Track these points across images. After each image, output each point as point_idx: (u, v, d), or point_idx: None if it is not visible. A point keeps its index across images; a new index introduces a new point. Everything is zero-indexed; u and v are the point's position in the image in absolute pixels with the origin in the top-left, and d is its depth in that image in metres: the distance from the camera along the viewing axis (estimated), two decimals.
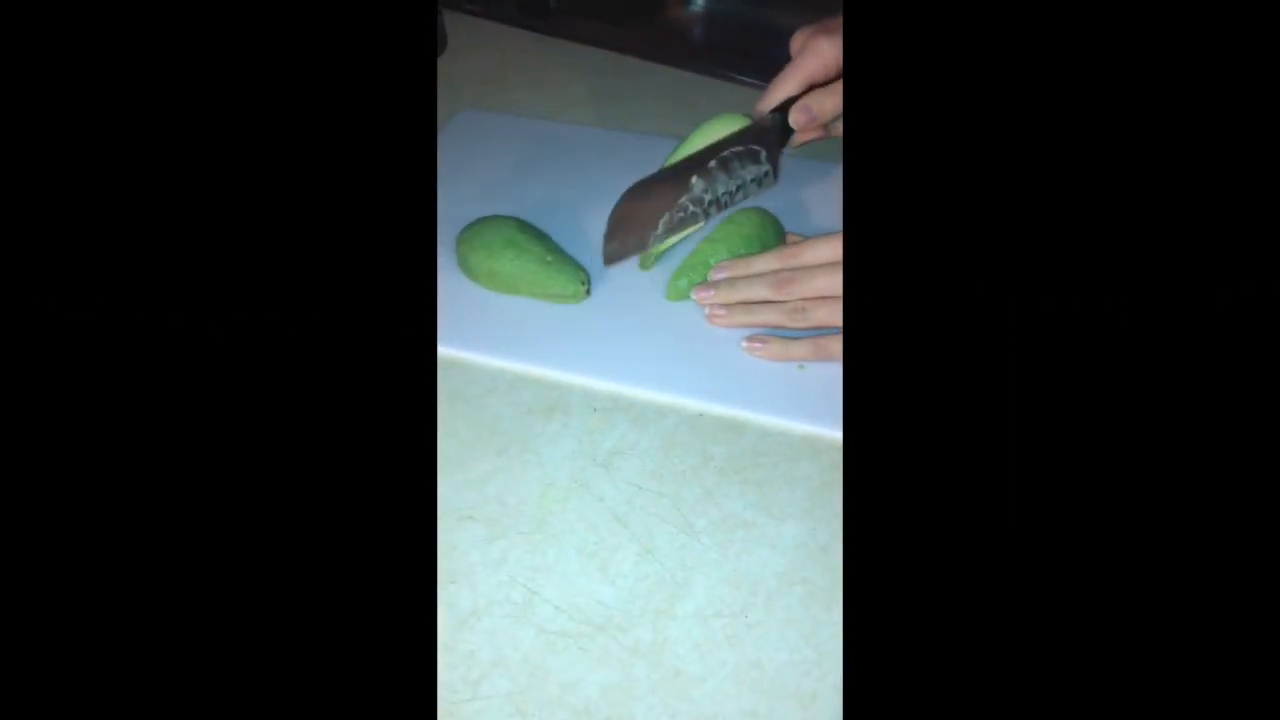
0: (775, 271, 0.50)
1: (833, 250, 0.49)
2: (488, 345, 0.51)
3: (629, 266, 0.56)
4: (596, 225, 0.58)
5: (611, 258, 0.52)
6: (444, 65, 0.76)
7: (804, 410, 0.47)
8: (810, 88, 0.50)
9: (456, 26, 0.80)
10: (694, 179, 0.51)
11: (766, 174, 0.52)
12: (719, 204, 0.52)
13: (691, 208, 0.51)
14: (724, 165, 0.51)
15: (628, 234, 0.51)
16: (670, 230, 0.52)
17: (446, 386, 0.50)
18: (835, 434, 0.47)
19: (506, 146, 0.66)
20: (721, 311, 0.51)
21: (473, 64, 0.76)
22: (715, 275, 0.52)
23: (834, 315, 0.49)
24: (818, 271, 0.49)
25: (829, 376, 0.49)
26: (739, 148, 0.51)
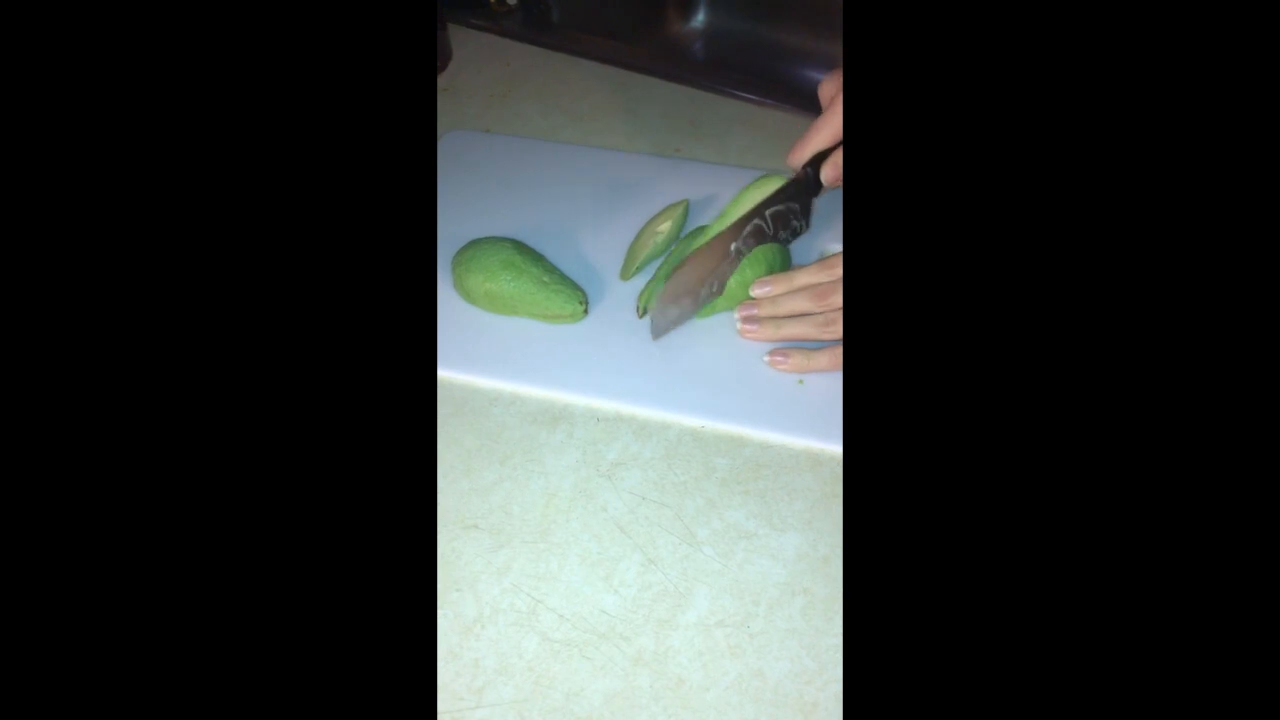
0: (816, 285, 0.51)
1: None
2: (487, 367, 0.52)
3: (624, 286, 0.56)
4: (593, 244, 0.59)
5: (659, 331, 0.52)
6: (448, 80, 0.77)
7: (804, 426, 0.48)
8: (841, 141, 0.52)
9: (461, 41, 0.81)
10: (733, 246, 0.52)
11: (800, 225, 0.54)
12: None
13: (733, 273, 0.53)
14: (760, 230, 0.53)
15: (676, 308, 0.52)
16: (711, 296, 0.53)
17: (451, 396, 0.51)
18: (836, 448, 0.47)
19: (498, 166, 0.67)
20: (753, 327, 0.52)
21: (477, 78, 0.77)
22: (757, 291, 0.52)
23: None
24: None
25: (828, 392, 0.49)
26: (776, 208, 0.52)
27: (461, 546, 0.43)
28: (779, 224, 0.53)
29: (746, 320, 0.52)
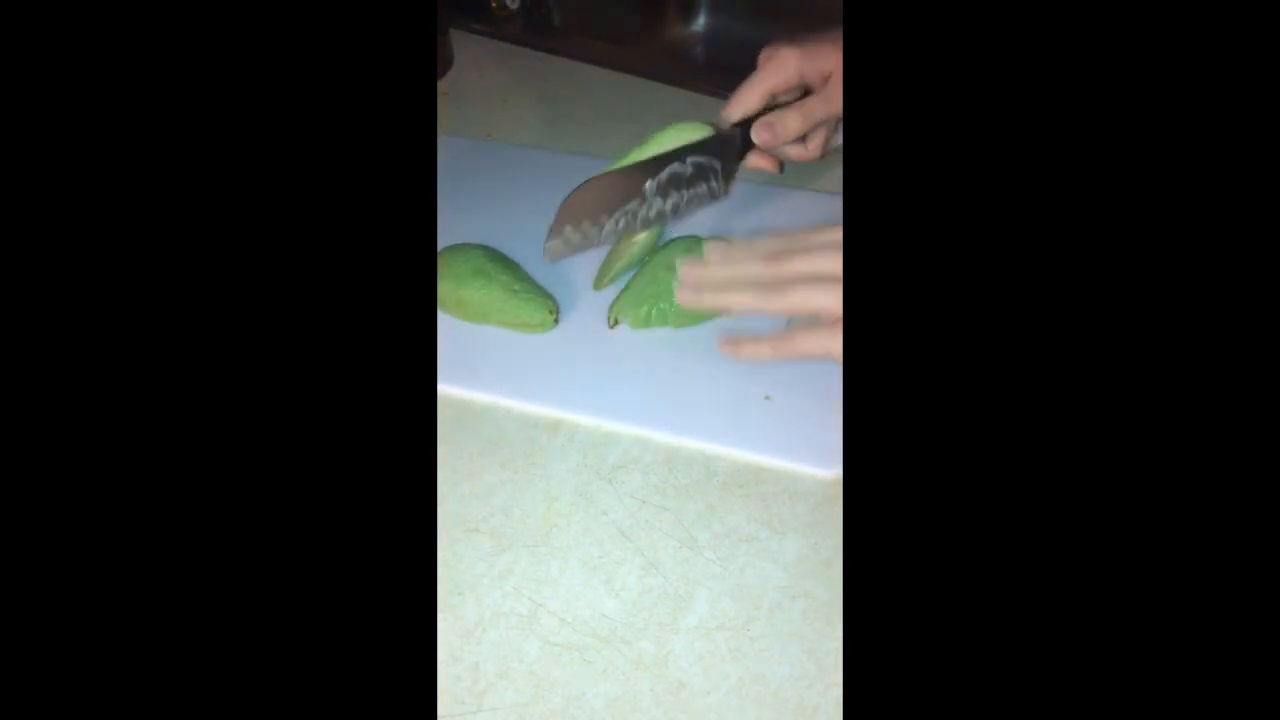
0: (774, 250, 0.45)
1: (835, 234, 0.44)
2: (455, 376, 0.51)
3: (598, 297, 0.55)
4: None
5: (553, 253, 0.50)
6: (450, 85, 0.77)
7: (772, 443, 0.47)
8: (774, 102, 0.49)
9: (463, 45, 0.81)
10: (647, 184, 0.49)
11: (719, 189, 0.52)
12: (668, 214, 0.51)
13: (641, 213, 0.50)
14: (678, 175, 0.50)
15: (574, 229, 0.49)
16: (615, 233, 0.50)
17: (453, 400, 0.51)
18: (803, 468, 0.46)
19: (484, 172, 0.66)
20: (689, 292, 0.47)
21: (478, 83, 0.77)
22: (712, 253, 0.47)
23: (814, 297, 0.42)
24: (816, 250, 0.43)
25: (798, 408, 0.48)
26: (698, 158, 0.50)
27: (463, 550, 0.43)
28: (698, 176, 0.50)
29: (686, 279, 0.47)
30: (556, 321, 0.53)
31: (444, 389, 0.51)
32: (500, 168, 0.67)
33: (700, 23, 0.93)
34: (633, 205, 0.50)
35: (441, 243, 0.56)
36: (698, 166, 0.50)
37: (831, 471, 0.46)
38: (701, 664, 0.39)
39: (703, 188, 0.51)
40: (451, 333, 0.53)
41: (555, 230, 0.49)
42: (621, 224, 0.50)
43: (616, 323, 0.53)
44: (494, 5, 0.83)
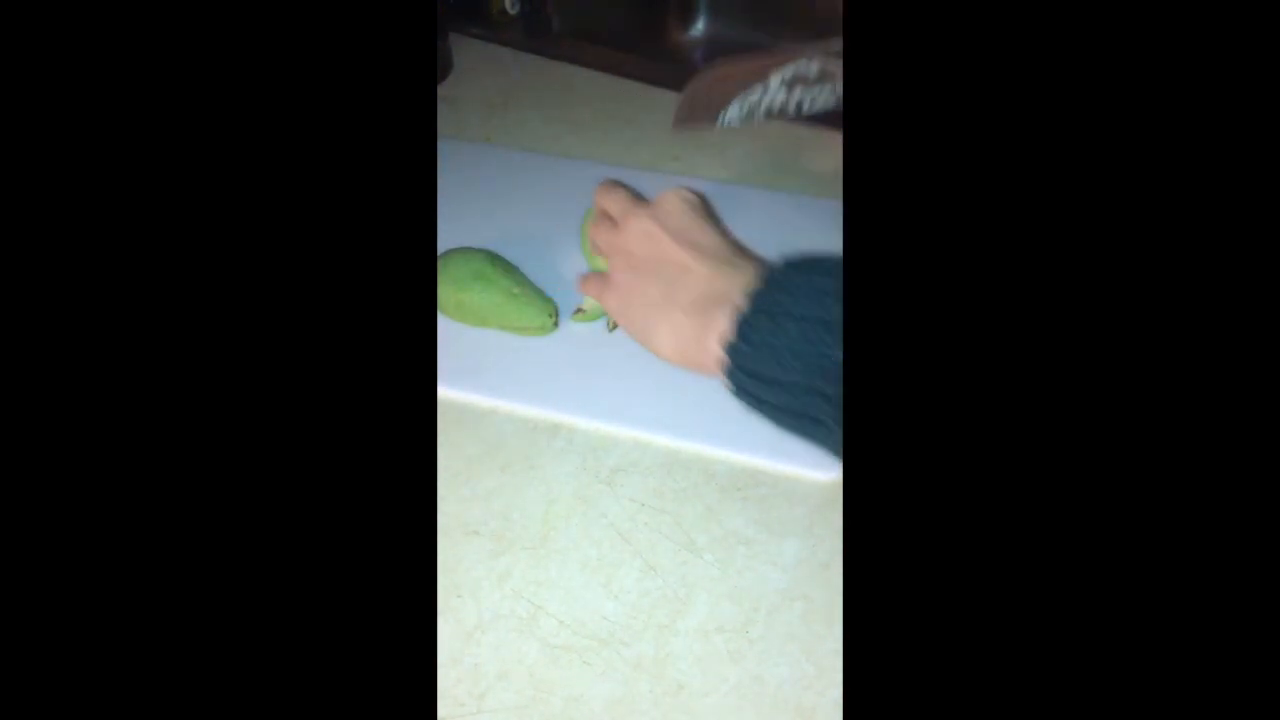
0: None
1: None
2: (455, 379, 0.51)
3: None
4: (568, 257, 0.59)
5: (679, 122, 0.52)
6: (449, 89, 0.78)
7: (771, 446, 0.47)
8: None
9: (462, 50, 0.81)
10: (772, 75, 0.50)
11: (833, 99, 0.53)
12: (789, 109, 0.52)
13: (765, 102, 0.52)
14: (803, 73, 0.51)
15: (700, 104, 0.52)
16: (739, 117, 0.52)
17: (452, 403, 0.51)
18: (802, 471, 0.46)
19: (477, 176, 0.66)
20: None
21: (478, 87, 0.78)
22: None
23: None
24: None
25: None
26: (824, 60, 0.51)
27: (462, 553, 0.44)
28: (823, 77, 0.52)
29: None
30: (556, 325, 0.53)
31: (444, 392, 0.51)
32: (500, 171, 0.67)
33: (699, 27, 0.94)
34: (756, 93, 0.51)
35: (441, 246, 0.56)
36: (823, 68, 0.51)
37: (830, 474, 0.46)
38: (700, 666, 0.39)
39: (827, 89, 0.52)
40: (451, 336, 0.54)
41: (684, 103, 0.51)
42: (745, 109, 0.52)
43: (615, 326, 0.54)
44: (494, 9, 0.84)
